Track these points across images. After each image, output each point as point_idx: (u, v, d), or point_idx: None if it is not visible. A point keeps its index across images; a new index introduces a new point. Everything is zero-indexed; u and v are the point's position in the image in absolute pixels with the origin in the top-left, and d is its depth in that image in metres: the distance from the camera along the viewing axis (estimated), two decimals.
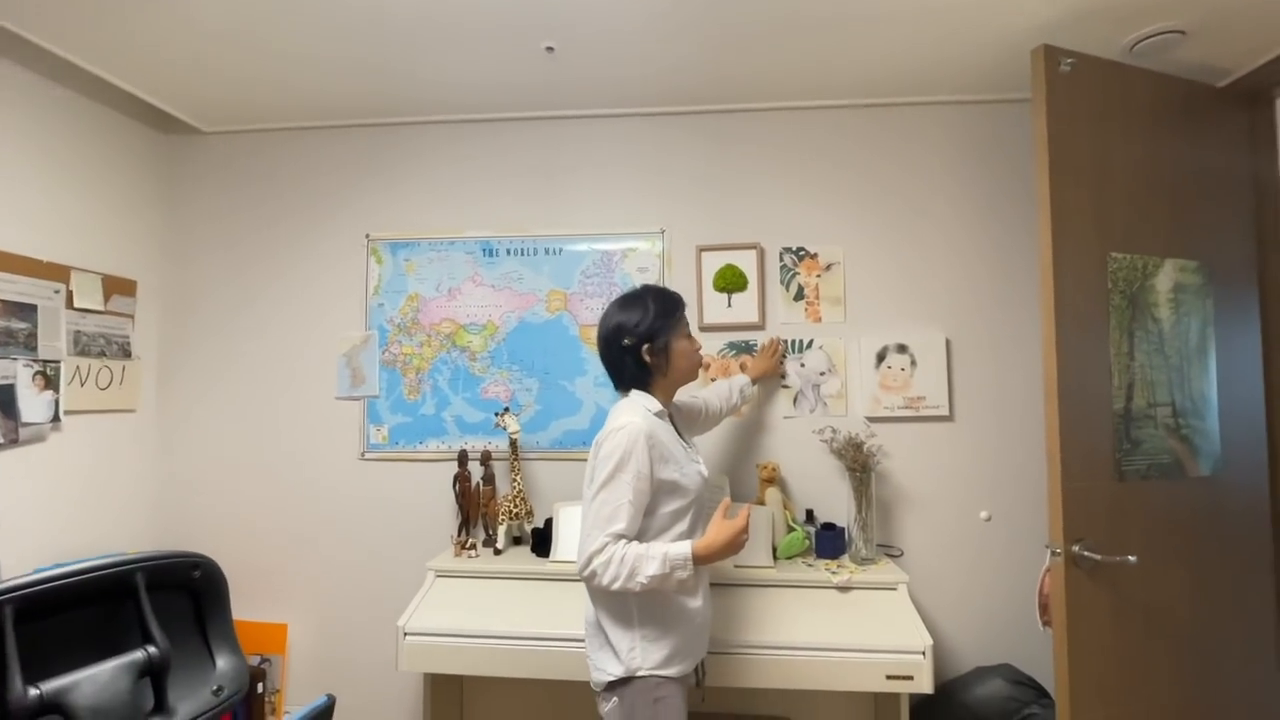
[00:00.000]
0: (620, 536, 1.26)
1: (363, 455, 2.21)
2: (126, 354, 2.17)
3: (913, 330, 2.06)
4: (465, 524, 2.09)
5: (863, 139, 2.12)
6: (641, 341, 1.41)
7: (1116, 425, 1.63)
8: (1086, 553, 1.53)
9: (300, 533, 2.22)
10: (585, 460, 2.07)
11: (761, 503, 1.98)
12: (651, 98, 2.10)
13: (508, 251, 2.21)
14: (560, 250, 2.19)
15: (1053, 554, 1.54)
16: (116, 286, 2.12)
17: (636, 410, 1.37)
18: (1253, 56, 1.79)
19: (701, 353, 1.52)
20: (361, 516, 2.20)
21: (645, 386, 1.44)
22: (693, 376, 1.51)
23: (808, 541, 1.93)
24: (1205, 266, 1.76)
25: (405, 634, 1.69)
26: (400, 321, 2.22)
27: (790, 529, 1.93)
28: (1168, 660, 1.64)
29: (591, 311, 2.16)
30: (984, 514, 2.02)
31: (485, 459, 2.10)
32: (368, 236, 2.25)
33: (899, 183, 2.11)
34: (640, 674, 1.30)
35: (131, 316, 2.19)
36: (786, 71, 1.94)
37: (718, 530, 1.30)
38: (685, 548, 1.26)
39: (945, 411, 2.03)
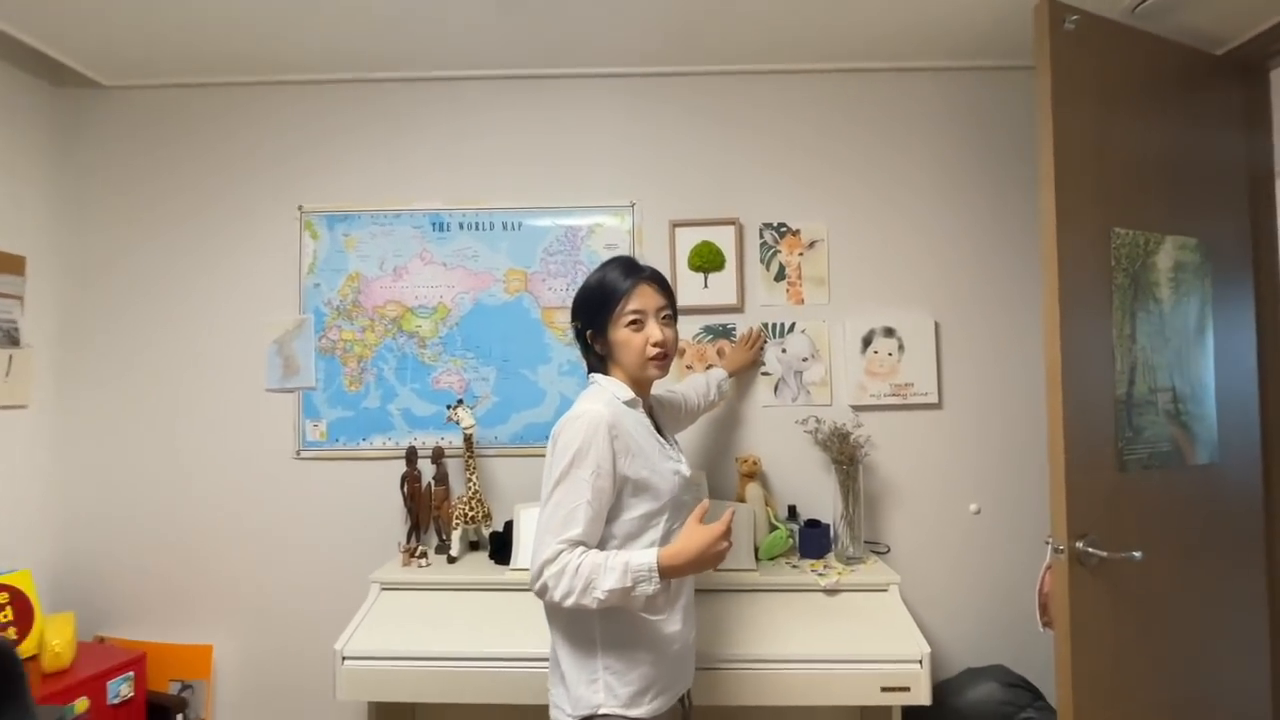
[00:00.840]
0: (577, 543, 1.07)
1: (297, 454, 1.97)
2: (14, 342, 1.88)
3: (900, 313, 1.94)
4: (415, 529, 1.88)
5: (848, 107, 1.97)
6: (584, 327, 1.24)
7: (1119, 412, 1.53)
8: (1091, 549, 1.42)
9: (226, 543, 1.97)
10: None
11: (742, 499, 1.83)
12: (618, 57, 1.91)
13: (461, 226, 1.99)
14: (520, 225, 1.98)
15: (1055, 551, 1.44)
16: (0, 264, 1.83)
17: (601, 397, 1.18)
18: (1252, 22, 1.71)
19: (654, 342, 1.19)
20: (297, 523, 1.97)
21: (610, 372, 1.25)
22: (645, 372, 1.22)
23: (791, 540, 1.80)
24: (1204, 244, 1.68)
25: (344, 658, 1.48)
26: (339, 304, 1.99)
27: (773, 527, 1.79)
28: (1166, 656, 1.56)
29: (555, 293, 1.96)
30: (974, 506, 1.92)
31: (437, 456, 1.89)
32: (301, 208, 2.00)
33: (886, 155, 1.97)
34: (602, 712, 1.10)
35: (20, 298, 1.89)
36: (764, 31, 1.77)
37: (690, 536, 1.08)
38: (650, 556, 1.05)
39: (934, 399, 1.91)
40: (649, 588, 1.04)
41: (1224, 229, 1.75)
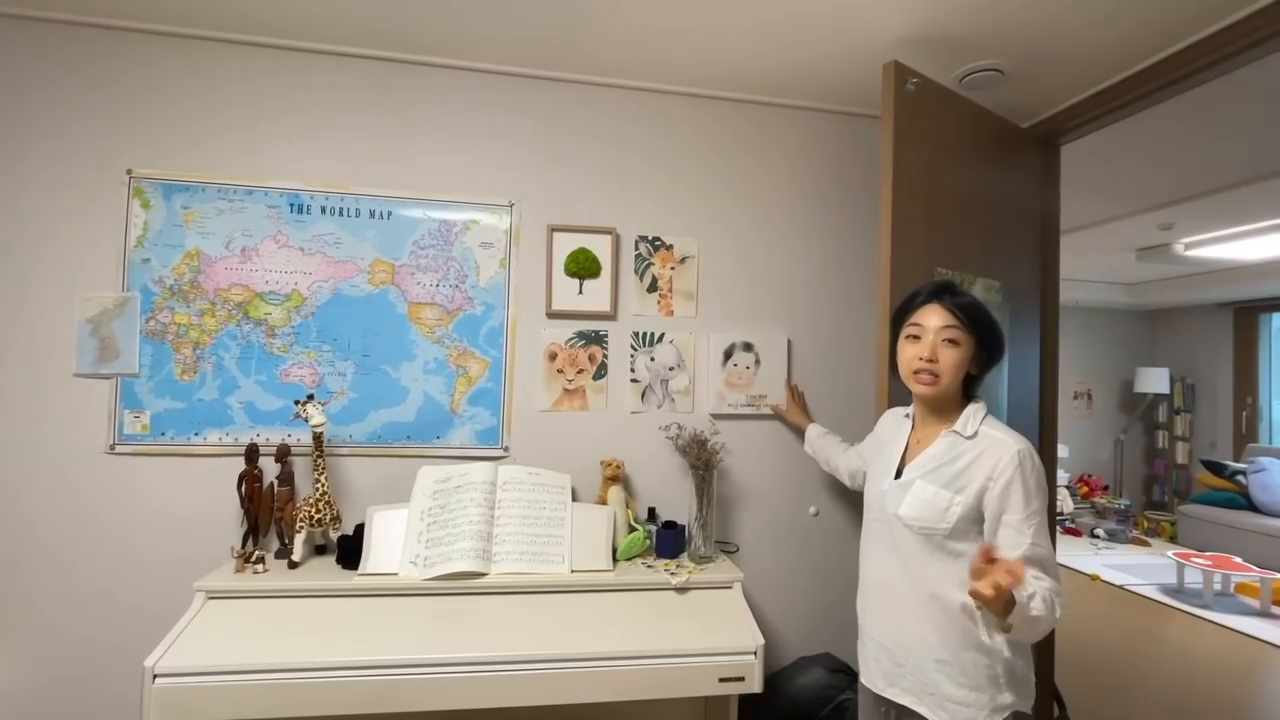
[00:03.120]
0: None
1: (112, 447, 1.75)
2: None
3: (758, 329, 2.08)
4: (253, 533, 1.74)
5: (723, 133, 2.09)
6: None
7: None
8: None
9: (18, 547, 1.70)
10: (408, 457, 1.87)
11: (604, 502, 1.88)
12: (501, 54, 1.89)
13: (323, 210, 1.86)
14: (389, 214, 1.89)
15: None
16: None
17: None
18: (1050, 104, 2.03)
19: (917, 360, 1.29)
20: (110, 527, 1.75)
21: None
22: (910, 385, 1.32)
23: (648, 541, 1.87)
24: (1006, 286, 1.97)
25: (155, 676, 1.34)
26: (173, 284, 1.79)
27: (632, 529, 1.85)
28: None
29: (424, 287, 1.90)
30: (813, 509, 2.11)
31: (282, 455, 1.76)
32: (129, 172, 1.77)
33: (754, 182, 2.11)
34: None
35: None
36: (639, 48, 1.83)
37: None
38: None
39: (784, 409, 2.08)
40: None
41: (1021, 274, 2.06)
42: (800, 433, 2.02)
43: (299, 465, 1.79)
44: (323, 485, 1.69)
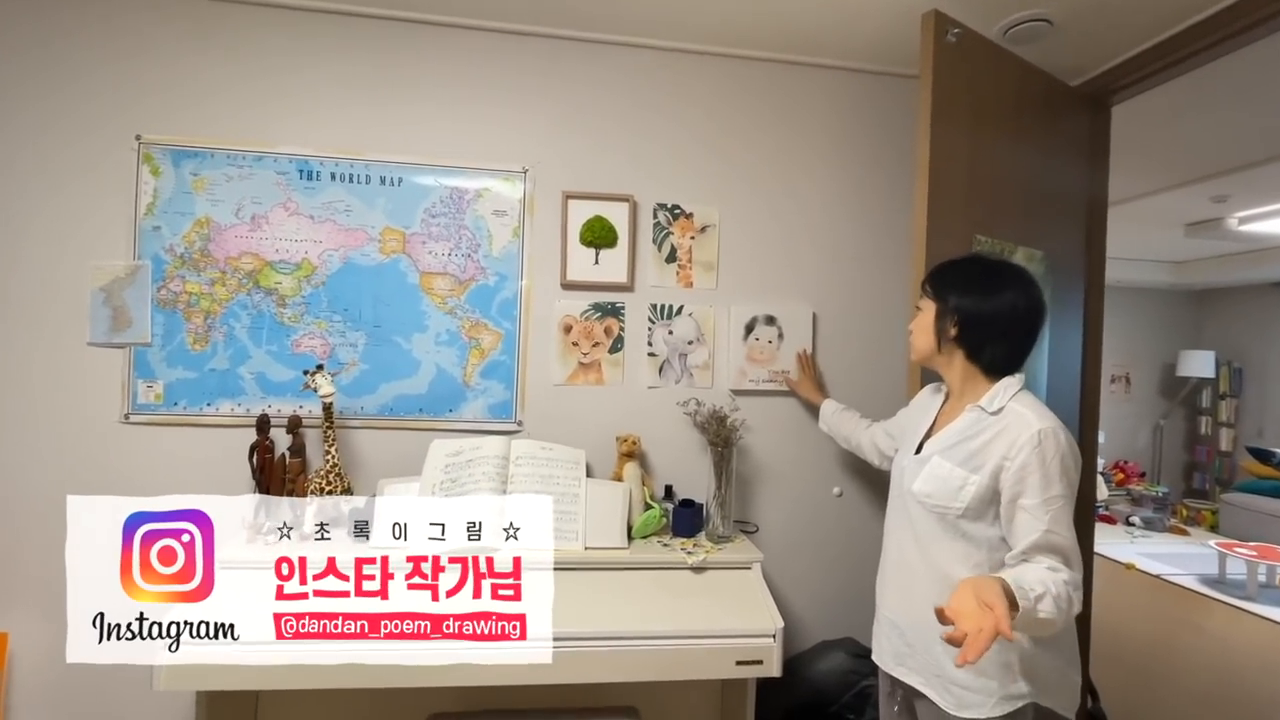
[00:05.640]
0: None
1: (126, 417, 1.75)
2: None
3: (781, 302, 1.99)
4: None
5: (744, 96, 1.98)
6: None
7: None
8: None
9: (33, 514, 1.71)
10: (420, 430, 1.83)
11: (619, 478, 1.83)
12: (514, 12, 1.80)
13: (333, 176, 1.81)
14: (400, 181, 1.84)
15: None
16: None
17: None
18: (1102, 59, 1.88)
19: (911, 329, 1.33)
20: (123, 494, 1.74)
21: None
22: (912, 353, 1.35)
23: (665, 519, 1.82)
24: (1048, 257, 1.84)
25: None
26: (184, 252, 1.76)
27: (648, 506, 1.80)
28: None
29: (435, 257, 1.85)
30: (836, 490, 2.03)
31: (294, 426, 1.74)
32: (139, 138, 1.74)
33: (777, 147, 2.00)
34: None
35: None
36: (659, 5, 1.73)
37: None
38: None
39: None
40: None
41: (1064, 245, 1.93)
42: (815, 409, 1.93)
43: (311, 437, 1.76)
44: (333, 457, 1.67)
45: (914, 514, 1.23)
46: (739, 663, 1.49)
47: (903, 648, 1.25)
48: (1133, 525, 5.20)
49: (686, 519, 1.80)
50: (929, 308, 1.27)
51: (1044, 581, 1.00)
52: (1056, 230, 1.91)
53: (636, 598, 1.56)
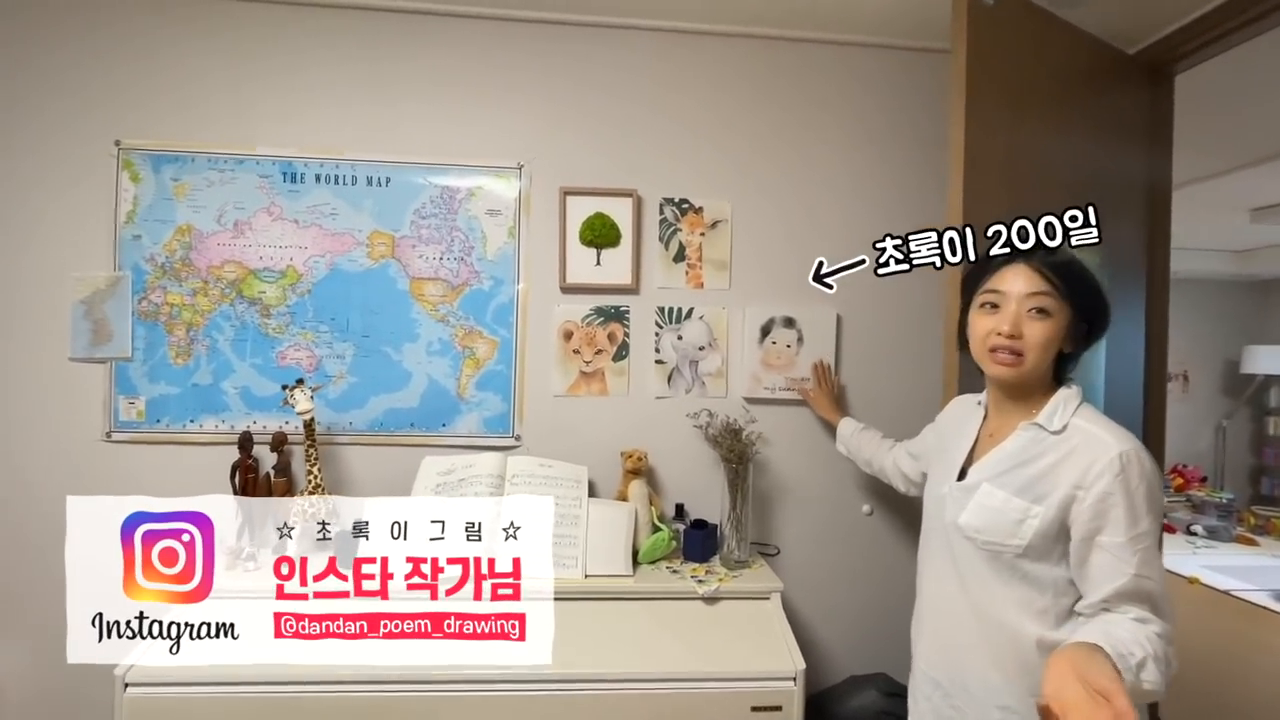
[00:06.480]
0: None
1: (108, 435, 1.67)
2: None
3: (801, 302, 1.82)
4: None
5: (755, 78, 1.82)
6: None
7: None
8: None
9: (13, 538, 1.65)
10: (411, 445, 1.72)
11: (624, 498, 1.69)
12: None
13: (318, 178, 1.71)
14: (388, 181, 1.73)
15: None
16: None
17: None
18: (1163, 22, 1.67)
19: (994, 335, 1.01)
20: None
21: None
22: (984, 366, 1.05)
23: (674, 543, 1.67)
24: (1104, 248, 1.63)
25: (125, 685, 1.23)
26: (165, 261, 1.68)
27: (656, 528, 1.65)
28: None
29: (426, 261, 1.73)
30: (866, 508, 1.85)
31: (278, 444, 1.64)
32: (118, 144, 1.67)
33: (795, 134, 1.83)
34: None
35: None
36: None
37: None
38: None
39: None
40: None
41: (1122, 235, 1.73)
42: (832, 429, 1.74)
43: (297, 454, 1.66)
44: (315, 478, 1.56)
45: (958, 552, 1.05)
46: (755, 709, 1.33)
47: (947, 710, 1.06)
48: (1194, 535, 4.83)
49: (699, 542, 1.65)
50: (1061, 314, 0.99)
51: (1140, 642, 0.82)
52: (1112, 218, 1.68)
53: (640, 633, 1.41)
